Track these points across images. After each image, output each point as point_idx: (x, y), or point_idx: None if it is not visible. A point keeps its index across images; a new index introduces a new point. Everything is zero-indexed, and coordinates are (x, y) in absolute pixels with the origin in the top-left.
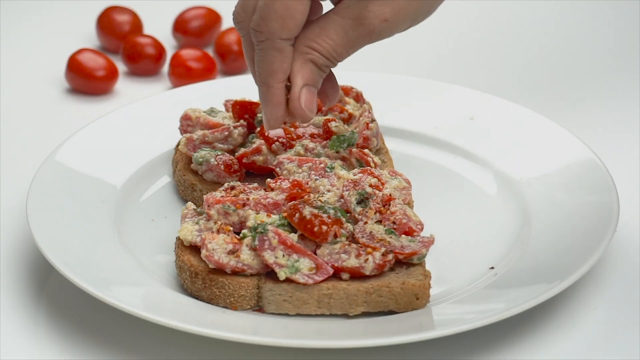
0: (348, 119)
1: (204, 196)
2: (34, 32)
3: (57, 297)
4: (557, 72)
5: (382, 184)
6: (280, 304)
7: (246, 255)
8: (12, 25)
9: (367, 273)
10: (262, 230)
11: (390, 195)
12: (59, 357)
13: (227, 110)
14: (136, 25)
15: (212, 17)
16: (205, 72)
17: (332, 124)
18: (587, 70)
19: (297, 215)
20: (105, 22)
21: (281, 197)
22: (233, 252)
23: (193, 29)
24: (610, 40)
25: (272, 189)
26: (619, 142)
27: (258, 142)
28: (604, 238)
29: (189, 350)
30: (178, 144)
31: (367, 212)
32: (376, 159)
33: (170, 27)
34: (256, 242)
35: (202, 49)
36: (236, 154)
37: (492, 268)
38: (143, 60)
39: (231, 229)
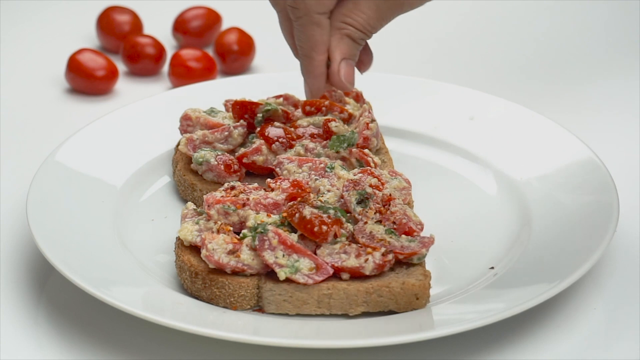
0: (348, 119)
1: (204, 196)
2: (34, 32)
3: (57, 297)
4: (557, 72)
5: (382, 184)
6: (280, 304)
7: (246, 255)
8: (12, 25)
9: (367, 273)
10: (262, 230)
11: (390, 195)
12: (59, 357)
13: (227, 110)
14: (136, 25)
15: (212, 17)
16: (205, 72)
17: (332, 124)
18: (587, 70)
19: (297, 215)
20: (105, 22)
21: (281, 197)
22: (233, 252)
23: (193, 29)
24: (611, 40)
25: (272, 189)
26: (619, 142)
27: (258, 142)
28: (604, 238)
29: (189, 350)
30: (178, 144)
31: (367, 212)
32: (376, 159)
33: (170, 27)
34: (256, 242)
35: (202, 49)
36: (236, 154)
37: (492, 268)
38: (143, 60)
39: (231, 229)
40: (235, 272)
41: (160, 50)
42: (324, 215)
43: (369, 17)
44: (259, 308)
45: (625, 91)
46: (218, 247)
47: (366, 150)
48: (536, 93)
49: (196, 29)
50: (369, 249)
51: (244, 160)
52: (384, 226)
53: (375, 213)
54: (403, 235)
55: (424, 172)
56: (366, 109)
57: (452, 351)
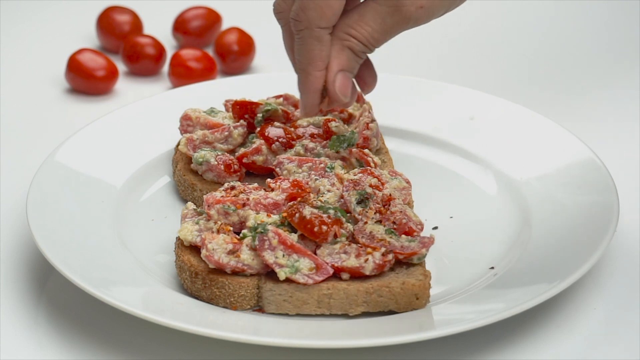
0: (348, 119)
1: (204, 196)
2: (34, 32)
3: (57, 297)
4: (557, 72)
5: (382, 184)
6: (280, 304)
7: (246, 255)
8: (12, 25)
9: (367, 273)
10: (262, 230)
11: (390, 195)
12: (59, 357)
13: (227, 110)
14: (136, 25)
15: (212, 17)
16: (205, 72)
17: (332, 124)
18: (587, 70)
19: (297, 215)
20: (105, 22)
21: (281, 197)
22: (233, 252)
23: (193, 29)
24: (611, 40)
25: (272, 189)
26: (619, 142)
27: (258, 142)
28: (604, 238)
29: (189, 350)
30: (178, 144)
31: (367, 212)
32: (376, 159)
33: (170, 27)
34: (256, 242)
35: (202, 49)
36: (236, 154)
37: (492, 268)
38: (143, 60)
39: (231, 229)
40: (235, 272)
41: (160, 50)
42: (324, 215)
43: (373, 30)
44: (259, 308)
45: (625, 91)
46: (218, 247)
47: (366, 150)
48: (536, 93)
49: (196, 29)
50: (369, 249)
51: (244, 160)
52: (384, 226)
53: (375, 213)
54: (403, 235)
55: (424, 172)
56: (366, 109)
57: (452, 351)
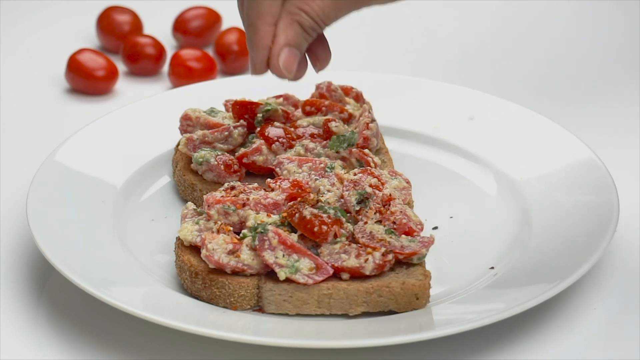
0: (348, 119)
1: (204, 196)
2: (34, 32)
3: (57, 297)
4: (557, 72)
5: (382, 184)
6: (280, 304)
7: (246, 255)
8: (12, 25)
9: (367, 273)
10: (262, 230)
11: (390, 195)
12: (59, 357)
13: (227, 110)
14: (136, 25)
15: (212, 17)
16: (205, 72)
17: (332, 124)
18: (587, 70)
19: (297, 215)
20: (105, 22)
21: (281, 197)
22: (233, 252)
23: (193, 29)
24: (611, 40)
25: (272, 189)
26: (619, 142)
27: (258, 142)
28: (604, 238)
29: (189, 350)
30: (178, 144)
31: (367, 212)
32: (376, 159)
33: (170, 27)
34: (256, 242)
35: (202, 49)
36: (236, 154)
37: (492, 268)
38: (143, 60)
39: (231, 229)
40: (235, 272)
41: (160, 50)
42: (324, 215)
43: (325, 6)
44: (259, 308)
45: (625, 91)
46: (218, 247)
47: (366, 150)
48: (536, 93)
49: (196, 29)
50: (369, 249)
51: (244, 160)
52: (384, 226)
53: (375, 213)
54: (403, 235)
55: (424, 172)
56: (366, 109)
57: (452, 351)
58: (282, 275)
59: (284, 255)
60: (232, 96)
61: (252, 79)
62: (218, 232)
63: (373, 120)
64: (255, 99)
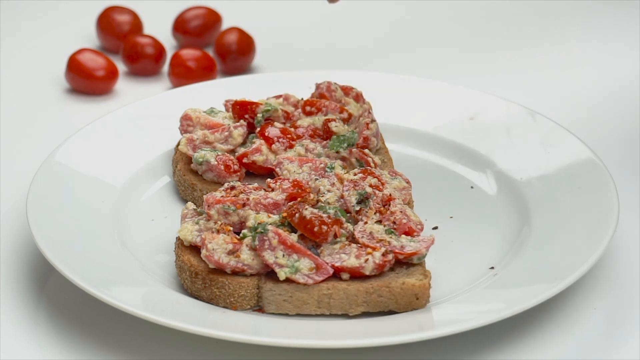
0: (348, 119)
1: (204, 196)
2: (34, 32)
3: (57, 297)
4: (556, 72)
5: (382, 184)
6: (280, 304)
7: (246, 255)
8: (12, 25)
9: (367, 273)
10: (262, 230)
11: (390, 195)
12: (59, 357)
13: (227, 110)
14: (136, 25)
15: (212, 17)
16: (205, 72)
17: (332, 124)
18: (588, 70)
19: (297, 215)
20: (105, 22)
21: (281, 197)
22: (233, 252)
23: (193, 29)
24: (610, 40)
25: (272, 189)
26: (619, 142)
27: (258, 142)
28: (604, 238)
29: (189, 350)
30: (178, 144)
31: (367, 212)
32: (376, 159)
33: (170, 27)
34: (256, 242)
35: (202, 49)
36: (236, 154)
37: (492, 268)
38: (143, 60)
39: (231, 229)
40: (235, 272)
41: (160, 50)
42: (324, 215)
43: None
44: (259, 308)
45: (625, 91)
46: (218, 247)
47: (366, 150)
48: (536, 93)
49: (196, 29)
50: (369, 249)
51: (244, 160)
52: (384, 226)
53: (375, 213)
54: (403, 235)
55: (424, 172)
56: (366, 109)
57: (452, 351)
58: (282, 275)
59: (284, 255)
60: (232, 96)
61: (252, 79)
62: (218, 232)
63: (373, 120)
64: (255, 99)
